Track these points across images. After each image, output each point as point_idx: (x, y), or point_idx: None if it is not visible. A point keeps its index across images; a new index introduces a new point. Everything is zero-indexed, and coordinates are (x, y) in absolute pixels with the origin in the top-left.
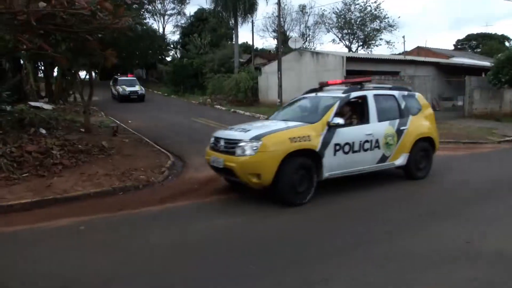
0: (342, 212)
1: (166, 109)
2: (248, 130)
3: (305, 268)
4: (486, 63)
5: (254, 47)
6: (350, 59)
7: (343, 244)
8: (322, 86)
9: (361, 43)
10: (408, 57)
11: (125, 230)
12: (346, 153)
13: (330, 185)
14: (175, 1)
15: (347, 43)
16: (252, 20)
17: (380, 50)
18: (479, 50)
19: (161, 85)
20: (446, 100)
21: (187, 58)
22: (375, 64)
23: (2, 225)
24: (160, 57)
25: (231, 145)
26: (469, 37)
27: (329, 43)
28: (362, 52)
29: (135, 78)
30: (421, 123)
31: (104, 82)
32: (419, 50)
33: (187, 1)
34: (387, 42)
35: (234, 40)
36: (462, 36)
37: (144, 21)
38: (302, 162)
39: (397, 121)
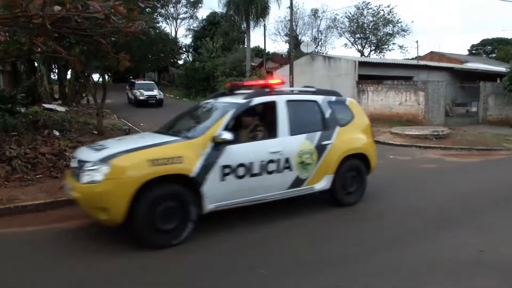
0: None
1: (177, 112)
2: (104, 148)
3: None
4: (501, 68)
5: (266, 51)
6: (362, 64)
7: None
8: (233, 89)
9: (374, 48)
10: (421, 62)
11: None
12: (241, 177)
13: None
14: (188, 5)
15: (360, 47)
16: (264, 24)
17: (393, 54)
18: (494, 55)
19: (172, 88)
20: (459, 106)
21: (199, 61)
22: (387, 68)
23: (17, 225)
24: (172, 60)
25: (79, 168)
26: (484, 42)
27: (341, 48)
28: (374, 57)
29: (153, 82)
30: (352, 136)
31: (117, 85)
32: (432, 55)
33: (200, 5)
34: (400, 47)
35: (246, 43)
36: (477, 41)
37: (157, 24)
38: (171, 191)
39: (318, 134)
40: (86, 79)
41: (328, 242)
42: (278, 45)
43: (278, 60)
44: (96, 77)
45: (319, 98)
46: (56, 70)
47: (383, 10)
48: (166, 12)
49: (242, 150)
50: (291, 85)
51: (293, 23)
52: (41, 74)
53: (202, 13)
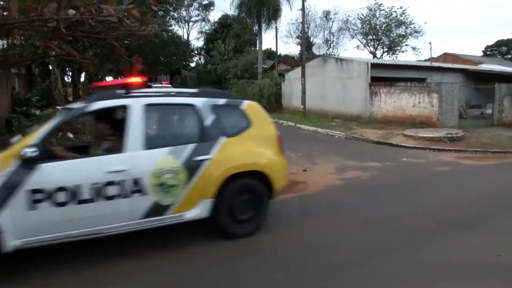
0: None
1: None
2: None
3: None
4: None
5: (278, 53)
6: (375, 66)
7: None
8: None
9: (386, 49)
10: (435, 64)
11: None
12: (62, 204)
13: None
14: (200, 8)
15: (372, 49)
16: (276, 26)
17: (405, 56)
18: (509, 56)
19: None
20: (474, 108)
21: (211, 64)
22: (400, 70)
23: None
24: (184, 63)
25: None
26: (499, 43)
27: (353, 50)
28: (387, 59)
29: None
30: (246, 149)
31: None
32: (446, 57)
33: (212, 8)
34: (413, 48)
35: (257, 46)
36: (491, 42)
37: (169, 28)
38: None
39: (190, 147)
40: (99, 81)
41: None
42: (290, 47)
43: (290, 62)
44: (109, 79)
45: (197, 101)
46: (70, 73)
47: (395, 11)
48: (178, 15)
49: (64, 169)
50: (303, 88)
51: (305, 25)
52: (55, 77)
53: (214, 15)
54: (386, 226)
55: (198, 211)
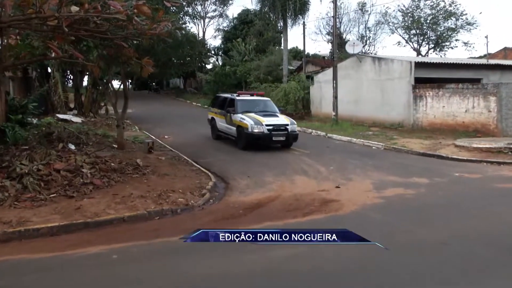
0: None
1: (206, 122)
2: None
3: None
4: None
5: (306, 53)
6: (419, 65)
7: None
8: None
9: (433, 46)
10: (492, 61)
11: (163, 260)
12: None
13: None
14: (217, 2)
15: (416, 45)
16: (304, 22)
17: (456, 53)
18: None
19: (200, 96)
20: None
21: (229, 65)
22: (450, 70)
23: (27, 251)
24: (199, 64)
25: None
26: None
27: (393, 46)
28: (434, 56)
29: (269, 99)
30: None
31: (137, 93)
32: (506, 52)
33: (230, 2)
34: (465, 44)
35: (282, 45)
36: None
37: (184, 25)
38: None
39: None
40: (105, 86)
41: None
42: (320, 46)
43: (320, 62)
44: (116, 84)
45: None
46: (72, 77)
47: (443, 1)
48: (193, 10)
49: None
50: (335, 92)
51: (337, 20)
52: (55, 81)
53: (233, 11)
54: (435, 253)
55: None
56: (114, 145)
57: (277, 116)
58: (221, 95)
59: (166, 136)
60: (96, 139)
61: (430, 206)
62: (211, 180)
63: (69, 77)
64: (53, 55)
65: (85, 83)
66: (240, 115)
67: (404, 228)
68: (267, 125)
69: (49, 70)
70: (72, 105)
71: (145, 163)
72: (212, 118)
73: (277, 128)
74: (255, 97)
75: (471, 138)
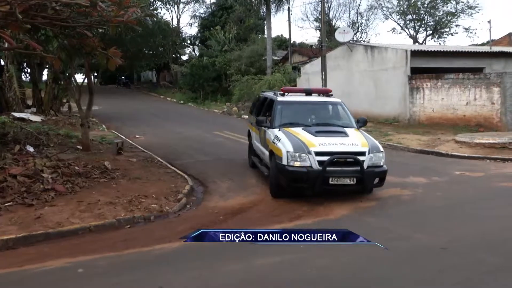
0: None
1: (182, 120)
2: None
3: None
4: None
5: (292, 41)
6: (416, 54)
7: None
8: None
9: (431, 32)
10: (496, 48)
11: (134, 274)
12: None
13: None
14: None
15: (412, 32)
16: (289, 7)
17: (456, 40)
18: None
19: (175, 90)
20: None
21: (207, 56)
22: (449, 58)
23: None
24: (174, 55)
25: None
26: None
27: (388, 34)
28: (432, 44)
29: (339, 101)
30: None
31: (105, 88)
32: (511, 38)
33: None
34: (466, 30)
35: (266, 33)
36: None
37: (155, 12)
38: None
39: None
40: (67, 80)
41: None
42: (307, 34)
43: (307, 52)
44: (79, 78)
45: None
46: (29, 70)
47: None
48: None
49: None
50: (324, 84)
51: (326, 5)
52: (10, 75)
53: None
54: (435, 260)
55: None
56: (79, 147)
57: (345, 134)
58: (263, 93)
59: (137, 136)
60: (58, 140)
61: (429, 208)
62: (188, 183)
63: (26, 70)
64: (6, 45)
65: (44, 77)
66: (276, 131)
67: (401, 232)
68: (318, 153)
69: (2, 62)
70: (30, 102)
71: (114, 166)
72: (249, 132)
73: (340, 158)
74: (312, 97)
75: (473, 133)
